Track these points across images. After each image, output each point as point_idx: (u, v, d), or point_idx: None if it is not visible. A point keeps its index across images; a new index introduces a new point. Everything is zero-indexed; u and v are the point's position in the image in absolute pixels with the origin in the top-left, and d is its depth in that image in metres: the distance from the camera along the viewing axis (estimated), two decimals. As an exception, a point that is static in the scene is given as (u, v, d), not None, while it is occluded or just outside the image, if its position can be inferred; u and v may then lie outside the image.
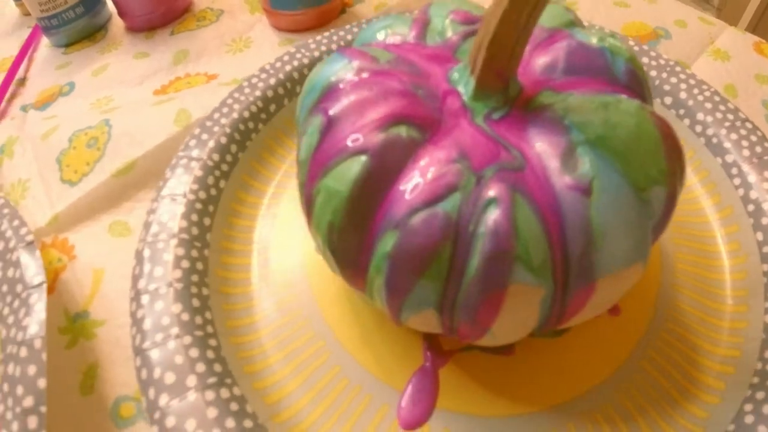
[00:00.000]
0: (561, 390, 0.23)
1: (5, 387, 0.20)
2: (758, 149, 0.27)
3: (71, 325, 0.25)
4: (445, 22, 0.22)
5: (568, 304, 0.18)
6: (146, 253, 0.25)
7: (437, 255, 0.17)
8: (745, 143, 0.27)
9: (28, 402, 0.19)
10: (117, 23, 0.43)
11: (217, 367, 0.22)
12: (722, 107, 0.29)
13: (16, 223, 0.25)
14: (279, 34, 0.40)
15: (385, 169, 0.17)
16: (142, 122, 0.32)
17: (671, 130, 0.19)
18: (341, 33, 0.34)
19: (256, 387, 0.22)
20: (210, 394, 0.21)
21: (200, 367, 0.21)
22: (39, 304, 0.22)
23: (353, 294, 0.25)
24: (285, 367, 0.23)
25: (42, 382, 0.20)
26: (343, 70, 0.20)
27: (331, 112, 0.19)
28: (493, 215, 0.16)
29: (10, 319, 0.22)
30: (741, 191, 0.27)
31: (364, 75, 0.20)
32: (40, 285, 0.23)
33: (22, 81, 0.40)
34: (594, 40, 0.20)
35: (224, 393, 0.21)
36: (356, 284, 0.20)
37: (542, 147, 0.18)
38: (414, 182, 0.17)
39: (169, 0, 0.41)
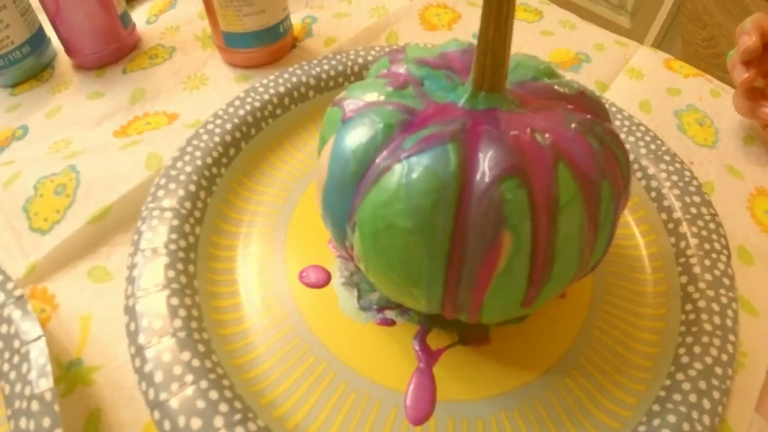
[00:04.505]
0: (534, 365, 0.27)
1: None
2: (653, 147, 0.33)
3: (66, 374, 0.25)
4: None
5: None
6: (139, 307, 0.25)
7: None
8: (641, 143, 0.34)
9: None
10: (63, 61, 0.41)
11: (238, 404, 0.23)
12: (619, 116, 0.35)
13: (0, 278, 0.25)
14: (233, 69, 0.40)
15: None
16: (112, 167, 0.32)
17: None
18: (285, 76, 0.36)
19: (275, 416, 0.24)
20: (240, 431, 0.22)
21: (223, 407, 0.23)
22: (41, 358, 0.22)
23: (341, 311, 0.28)
24: (295, 393, 0.25)
25: None
26: None
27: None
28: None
29: (12, 375, 0.22)
30: (643, 182, 0.33)
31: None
32: (38, 339, 0.23)
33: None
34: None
35: (251, 426, 0.23)
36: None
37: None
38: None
39: (118, 38, 0.40)
